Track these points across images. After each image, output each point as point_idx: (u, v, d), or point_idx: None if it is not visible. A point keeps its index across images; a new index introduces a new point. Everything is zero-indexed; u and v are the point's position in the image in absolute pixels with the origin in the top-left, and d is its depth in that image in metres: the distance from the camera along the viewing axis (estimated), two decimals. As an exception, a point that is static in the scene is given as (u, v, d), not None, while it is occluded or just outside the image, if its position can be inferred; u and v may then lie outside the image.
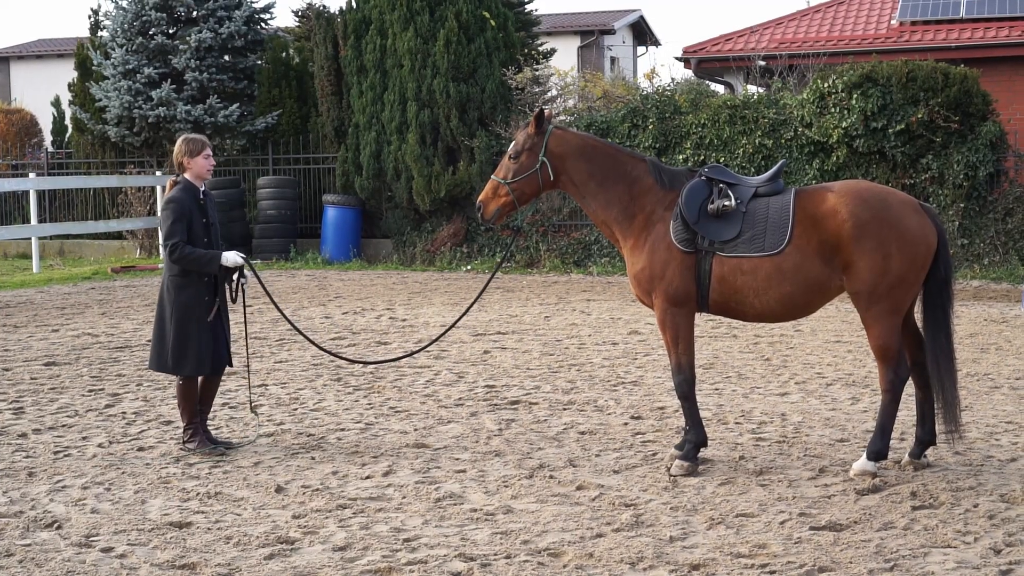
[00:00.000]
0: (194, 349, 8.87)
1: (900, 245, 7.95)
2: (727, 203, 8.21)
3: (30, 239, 25.30)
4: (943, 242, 8.14)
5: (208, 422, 9.31)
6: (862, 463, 8.11)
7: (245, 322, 10.05)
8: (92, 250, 27.88)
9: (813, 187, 8.39)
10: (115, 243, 27.80)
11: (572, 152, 8.54)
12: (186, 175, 8.98)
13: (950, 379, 8.15)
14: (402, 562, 6.45)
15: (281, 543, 6.82)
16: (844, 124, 20.87)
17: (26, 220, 27.27)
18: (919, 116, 20.54)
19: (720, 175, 8.40)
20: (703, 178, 8.39)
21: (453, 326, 10.13)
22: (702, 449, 8.44)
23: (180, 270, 8.90)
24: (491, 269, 23.13)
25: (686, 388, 8.37)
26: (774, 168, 8.53)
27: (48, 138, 34.88)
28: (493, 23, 24.62)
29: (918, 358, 8.35)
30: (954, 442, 8.46)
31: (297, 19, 33.67)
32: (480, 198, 8.72)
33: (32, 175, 27.12)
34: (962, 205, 20.79)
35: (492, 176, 8.70)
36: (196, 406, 9.03)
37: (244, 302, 9.24)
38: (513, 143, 8.65)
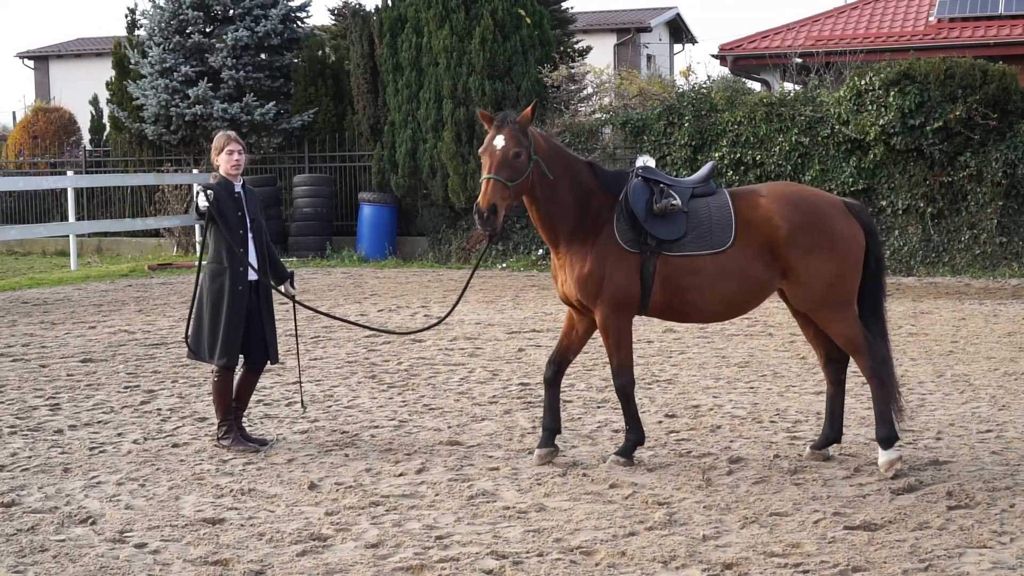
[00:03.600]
0: (224, 339, 8.90)
1: (832, 245, 8.10)
2: (674, 202, 8.19)
3: (68, 236, 25.47)
4: (872, 236, 8.31)
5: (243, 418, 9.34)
6: (884, 455, 8.07)
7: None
8: (129, 247, 28.05)
9: (743, 189, 8.51)
10: (152, 241, 27.96)
11: (541, 153, 8.21)
12: (220, 171, 9.15)
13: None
14: (434, 559, 6.45)
15: (314, 540, 6.83)
16: (881, 121, 20.74)
17: (64, 218, 27.45)
18: (957, 113, 20.39)
19: (655, 175, 8.38)
20: (639, 178, 8.36)
21: (453, 308, 9.88)
22: (639, 447, 8.56)
23: (215, 256, 8.97)
24: (527, 267, 23.12)
25: (629, 388, 8.44)
26: (705, 169, 8.54)
27: (86, 136, 35.09)
28: (529, 21, 24.60)
29: (832, 355, 8.48)
30: (900, 427, 8.31)
31: (333, 17, 33.82)
32: (489, 200, 7.83)
33: (70, 173, 27.28)
34: (1000, 203, 20.64)
35: (490, 176, 7.87)
36: (231, 403, 9.07)
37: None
38: (504, 139, 7.97)
